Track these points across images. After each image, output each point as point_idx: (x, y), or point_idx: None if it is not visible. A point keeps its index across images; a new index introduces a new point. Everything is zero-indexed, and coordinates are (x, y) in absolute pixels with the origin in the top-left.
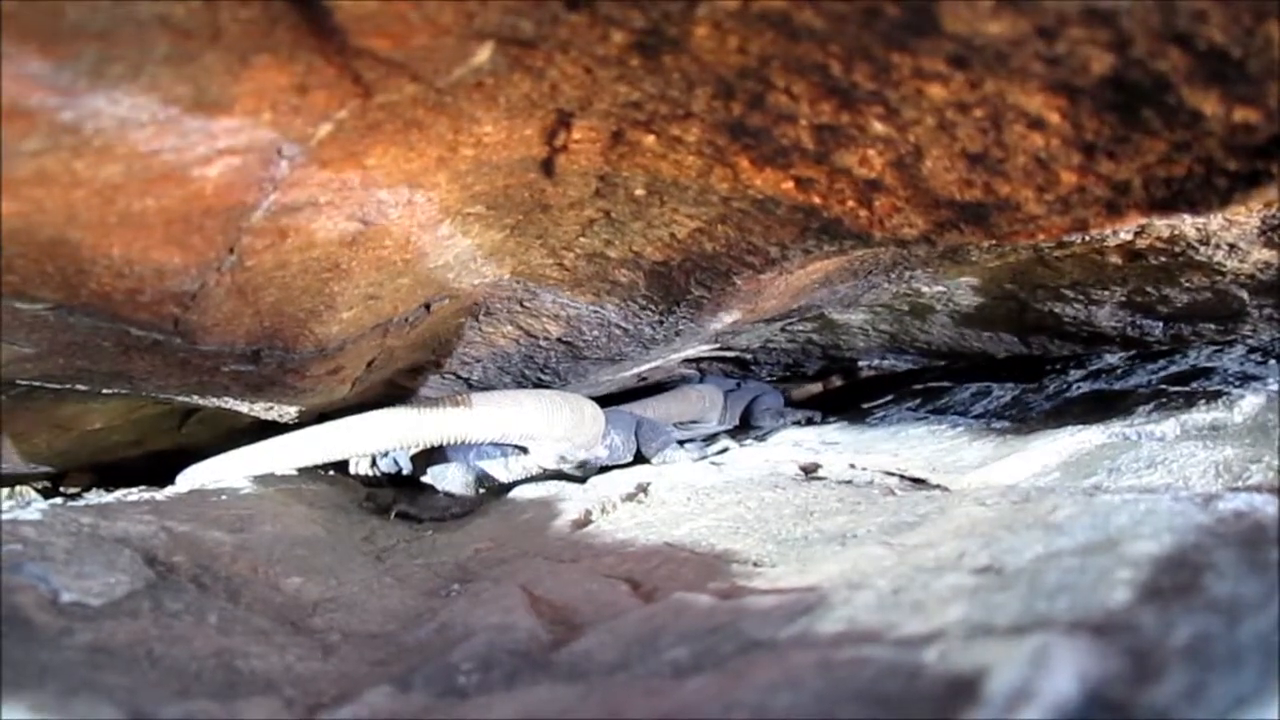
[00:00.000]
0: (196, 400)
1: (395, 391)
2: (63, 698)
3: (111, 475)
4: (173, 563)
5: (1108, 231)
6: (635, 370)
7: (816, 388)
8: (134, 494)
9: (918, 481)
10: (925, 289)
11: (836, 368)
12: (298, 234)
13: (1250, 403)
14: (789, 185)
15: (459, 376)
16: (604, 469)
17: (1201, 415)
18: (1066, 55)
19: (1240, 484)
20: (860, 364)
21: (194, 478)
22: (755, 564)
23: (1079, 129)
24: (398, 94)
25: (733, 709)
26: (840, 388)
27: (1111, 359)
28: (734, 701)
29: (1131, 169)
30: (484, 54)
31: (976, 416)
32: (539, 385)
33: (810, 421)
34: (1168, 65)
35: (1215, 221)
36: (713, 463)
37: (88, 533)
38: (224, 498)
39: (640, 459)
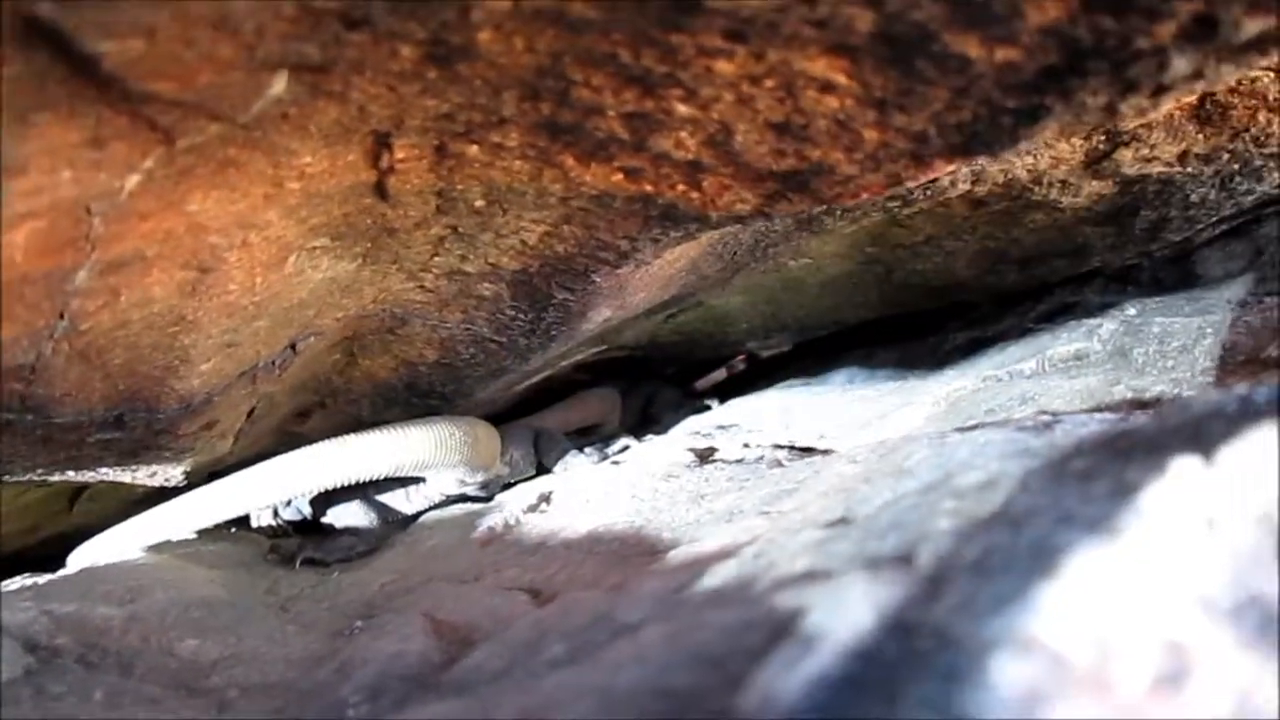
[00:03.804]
0: (73, 476)
1: (286, 439)
2: None
3: (9, 567)
4: (56, 645)
5: (922, 181)
6: (526, 383)
7: (720, 374)
8: (16, 583)
9: (806, 450)
10: (792, 263)
11: (729, 353)
12: (131, 290)
13: (1108, 329)
14: (619, 177)
15: (348, 414)
16: (508, 485)
17: (1065, 348)
18: (830, 17)
19: (1099, 407)
20: (750, 345)
21: (85, 557)
22: (652, 553)
23: (867, 86)
24: (201, 135)
25: (584, 694)
26: (742, 372)
27: (985, 308)
28: (587, 686)
29: (924, 119)
30: (279, 84)
31: (864, 380)
32: (429, 412)
33: (707, 408)
34: (925, 15)
35: (1044, 160)
36: (614, 462)
37: None
38: (114, 571)
39: (544, 470)
